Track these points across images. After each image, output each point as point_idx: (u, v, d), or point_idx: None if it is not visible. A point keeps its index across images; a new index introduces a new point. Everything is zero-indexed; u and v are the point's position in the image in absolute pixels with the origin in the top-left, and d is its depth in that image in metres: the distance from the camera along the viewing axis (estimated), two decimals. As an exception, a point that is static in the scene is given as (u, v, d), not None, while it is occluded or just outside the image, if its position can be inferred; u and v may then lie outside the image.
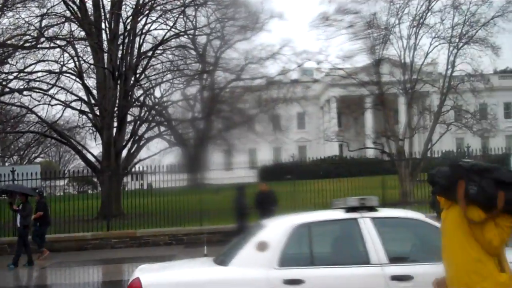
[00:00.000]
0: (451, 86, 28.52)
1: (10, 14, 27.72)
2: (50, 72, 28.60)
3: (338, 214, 6.45)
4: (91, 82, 29.73)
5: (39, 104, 29.21)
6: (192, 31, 31.40)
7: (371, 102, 31.41)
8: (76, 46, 28.28)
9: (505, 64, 69.94)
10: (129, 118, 29.66)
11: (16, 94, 28.78)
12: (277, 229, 6.39)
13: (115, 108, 27.62)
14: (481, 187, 3.90)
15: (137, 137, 29.06)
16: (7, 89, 28.12)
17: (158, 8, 28.39)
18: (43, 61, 28.68)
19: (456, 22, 27.99)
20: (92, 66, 29.20)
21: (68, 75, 29.09)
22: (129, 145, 28.78)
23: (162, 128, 31.86)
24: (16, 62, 28.23)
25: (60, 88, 29.20)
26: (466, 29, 27.81)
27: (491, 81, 32.20)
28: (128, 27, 27.71)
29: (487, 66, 37.73)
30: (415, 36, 28.37)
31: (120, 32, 27.76)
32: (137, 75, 28.52)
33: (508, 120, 63.92)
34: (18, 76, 28.07)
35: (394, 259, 6.04)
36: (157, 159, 33.73)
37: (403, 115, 32.61)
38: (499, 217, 3.95)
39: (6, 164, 42.68)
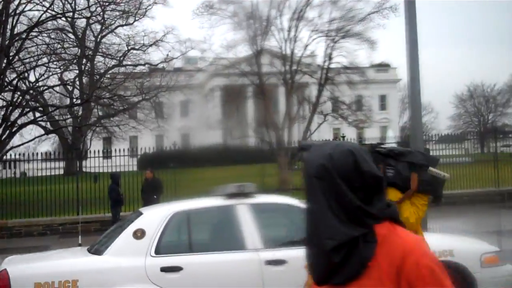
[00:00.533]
0: (329, 78, 29.56)
1: None
2: None
3: (216, 201, 6.50)
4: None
5: None
6: (70, 13, 30.16)
7: (252, 92, 31.87)
8: None
9: (381, 58, 73.77)
10: (0, 103, 27.99)
11: None
12: (154, 216, 6.33)
13: (-15, 92, 25.93)
14: (397, 170, 4.11)
15: (9, 123, 27.47)
16: None
17: (34, -13, 26.93)
18: None
19: (333, 17, 29.03)
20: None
21: None
22: (0, 131, 27.15)
23: (38, 114, 30.40)
24: None
25: None
26: (343, 24, 28.93)
27: (367, 74, 33.78)
28: (0, 6, 26.03)
29: (363, 59, 39.53)
30: (295, 28, 29.10)
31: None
32: (10, 58, 26.90)
33: (382, 112, 67.35)
34: None
35: (269, 244, 6.18)
36: (32, 146, 32.17)
37: (283, 105, 33.37)
38: (414, 196, 4.17)
39: None
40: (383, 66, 70.90)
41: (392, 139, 25.35)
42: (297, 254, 6.12)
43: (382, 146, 4.53)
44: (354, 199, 1.79)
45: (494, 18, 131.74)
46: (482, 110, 76.61)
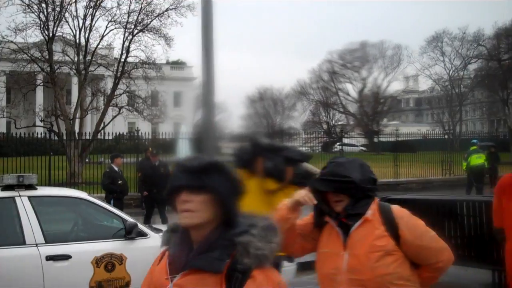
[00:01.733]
0: (125, 71, 29.04)
1: None
2: None
3: (-8, 192, 6.02)
4: None
5: None
6: None
7: (42, 79, 30.12)
8: None
9: (177, 56, 74.52)
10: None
11: None
12: None
13: None
14: (275, 163, 4.34)
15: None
16: None
17: None
18: None
19: (132, 9, 28.58)
20: None
21: None
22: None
23: None
24: None
25: None
26: (141, 17, 28.62)
27: (163, 70, 33.80)
28: None
29: (160, 55, 39.58)
30: (91, 17, 28.09)
31: None
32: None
33: (176, 108, 68.09)
34: None
35: (52, 239, 5.90)
36: None
37: (76, 95, 32.03)
38: (287, 188, 4.42)
39: None
40: (179, 64, 71.81)
41: (184, 136, 25.67)
42: (83, 249, 5.96)
43: (264, 140, 4.80)
44: None
45: (284, 26, 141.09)
46: (270, 112, 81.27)
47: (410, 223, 2.95)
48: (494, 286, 7.45)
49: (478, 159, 18.70)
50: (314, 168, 4.77)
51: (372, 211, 2.96)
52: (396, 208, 3.01)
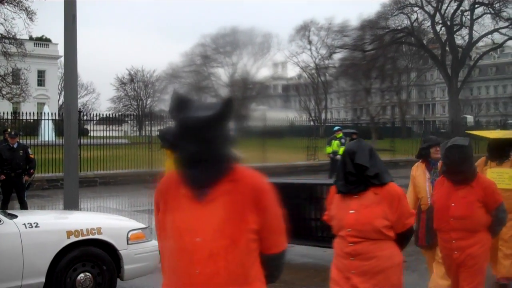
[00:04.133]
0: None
1: None
2: None
3: None
4: None
5: None
6: None
7: None
8: None
9: (42, 32, 70.75)
10: None
11: None
12: None
13: None
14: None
15: None
16: None
17: None
18: None
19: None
20: None
21: None
22: None
23: None
24: None
25: None
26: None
27: (25, 46, 31.90)
28: None
29: (21, 29, 37.18)
30: None
31: None
32: None
33: (41, 88, 64.80)
34: None
35: None
36: None
37: None
38: None
39: None
40: (43, 41, 68.18)
41: (48, 116, 24.47)
42: None
43: None
44: None
45: (157, 6, 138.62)
46: (141, 95, 79.91)
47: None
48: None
49: (336, 146, 19.70)
50: (235, 151, 4.77)
51: None
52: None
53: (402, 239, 3.84)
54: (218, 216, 2.40)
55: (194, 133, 2.39)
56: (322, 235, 8.03)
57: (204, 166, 2.41)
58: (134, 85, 79.25)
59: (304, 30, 58.63)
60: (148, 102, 78.71)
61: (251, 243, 2.44)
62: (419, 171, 6.19)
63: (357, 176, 3.76)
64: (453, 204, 4.86)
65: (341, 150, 19.84)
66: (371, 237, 3.72)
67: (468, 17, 51.99)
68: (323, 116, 61.83)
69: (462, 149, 4.79)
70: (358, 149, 3.79)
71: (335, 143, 19.80)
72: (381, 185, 3.74)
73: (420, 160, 6.27)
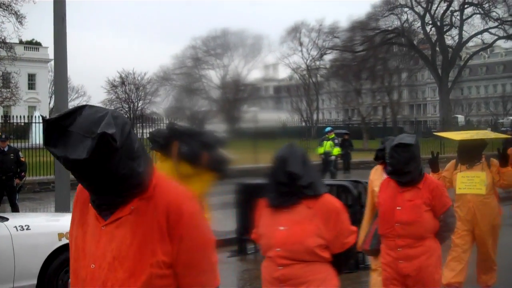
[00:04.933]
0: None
1: None
2: None
3: None
4: None
5: None
6: None
7: None
8: None
9: (32, 35, 70.53)
10: None
11: None
12: None
13: None
14: (191, 147, 4.33)
15: None
16: None
17: None
18: None
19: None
20: None
21: None
22: None
23: None
24: None
25: None
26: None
27: (15, 50, 31.79)
28: None
29: (11, 33, 37.09)
30: None
31: None
32: None
33: (31, 91, 64.53)
34: None
35: None
36: None
37: None
38: (202, 173, 4.48)
39: None
40: (34, 44, 67.95)
41: (39, 120, 24.39)
42: None
43: (181, 124, 4.79)
44: None
45: (147, 8, 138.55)
46: (132, 97, 79.61)
47: None
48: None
49: (329, 147, 19.79)
50: (227, 154, 4.78)
51: None
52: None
53: (340, 261, 3.26)
54: (120, 242, 1.92)
55: (76, 172, 1.86)
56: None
57: (102, 191, 1.92)
58: (125, 88, 78.97)
59: (295, 31, 58.80)
60: (139, 104, 78.50)
61: (157, 279, 1.91)
62: (377, 175, 5.66)
63: (289, 186, 3.22)
64: (398, 208, 4.44)
65: (335, 150, 19.93)
66: (303, 258, 3.16)
67: (458, 17, 52.30)
68: (314, 117, 61.87)
69: (408, 147, 4.34)
70: (290, 155, 3.30)
71: (328, 143, 19.85)
72: (315, 197, 3.21)
73: (379, 163, 5.72)
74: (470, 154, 6.36)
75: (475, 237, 6.41)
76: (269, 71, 77.81)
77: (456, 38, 53.01)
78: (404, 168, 4.36)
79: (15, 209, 12.04)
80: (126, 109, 77.84)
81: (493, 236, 6.40)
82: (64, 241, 6.03)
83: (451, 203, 4.60)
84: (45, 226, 6.59)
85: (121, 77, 78.07)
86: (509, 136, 6.63)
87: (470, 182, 6.24)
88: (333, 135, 20.24)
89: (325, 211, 3.19)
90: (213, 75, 62.76)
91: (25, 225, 5.92)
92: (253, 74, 64.48)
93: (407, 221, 4.37)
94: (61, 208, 9.55)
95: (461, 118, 63.13)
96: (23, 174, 12.34)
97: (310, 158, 3.42)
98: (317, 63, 59.10)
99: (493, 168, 6.29)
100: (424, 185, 4.45)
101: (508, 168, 6.22)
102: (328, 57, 57.64)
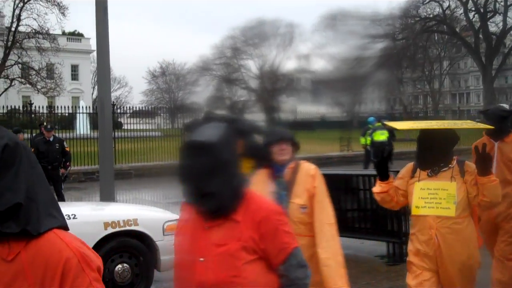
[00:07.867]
0: (16, 41, 27.52)
1: None
2: None
3: None
4: None
5: None
6: None
7: None
8: None
9: (74, 27, 71.63)
10: None
11: None
12: None
13: None
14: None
15: None
16: None
17: None
18: None
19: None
20: None
21: None
22: None
23: None
24: None
25: None
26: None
27: (58, 41, 32.35)
28: None
29: (54, 25, 37.73)
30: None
31: None
32: None
33: (74, 82, 65.67)
34: None
35: None
36: None
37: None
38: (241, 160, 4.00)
39: None
40: (76, 35, 69.05)
41: (83, 110, 24.79)
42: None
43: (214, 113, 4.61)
44: None
45: (187, 1, 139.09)
46: (173, 88, 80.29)
47: None
48: (389, 257, 7.73)
49: (381, 136, 19.25)
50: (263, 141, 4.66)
51: None
52: None
53: None
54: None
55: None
56: (359, 226, 7.95)
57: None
58: (166, 78, 79.74)
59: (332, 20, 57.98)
60: (179, 94, 79.11)
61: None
62: (258, 180, 3.97)
63: None
64: (201, 259, 2.38)
65: (383, 136, 19.28)
66: None
67: (502, 3, 50.83)
68: (356, 107, 61.13)
69: (206, 149, 2.49)
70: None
71: (378, 133, 19.25)
72: None
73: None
74: (432, 154, 4.08)
75: (440, 281, 4.07)
76: (302, 62, 77.32)
77: (500, 25, 51.53)
78: (203, 187, 2.39)
79: (60, 198, 12.26)
80: (167, 99, 78.60)
81: (467, 281, 4.05)
82: (110, 230, 6.09)
83: (296, 244, 2.46)
84: (91, 215, 6.67)
85: (161, 67, 78.96)
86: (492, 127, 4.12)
87: (433, 197, 4.02)
88: (379, 123, 19.84)
89: None
90: (252, 65, 62.60)
91: (72, 214, 5.98)
92: (290, 64, 63.90)
93: (215, 282, 2.34)
94: (105, 197, 9.68)
95: (505, 107, 61.48)
96: (68, 164, 12.57)
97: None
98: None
99: (469, 177, 4.03)
100: (245, 214, 2.39)
101: (491, 177, 3.95)
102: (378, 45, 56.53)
